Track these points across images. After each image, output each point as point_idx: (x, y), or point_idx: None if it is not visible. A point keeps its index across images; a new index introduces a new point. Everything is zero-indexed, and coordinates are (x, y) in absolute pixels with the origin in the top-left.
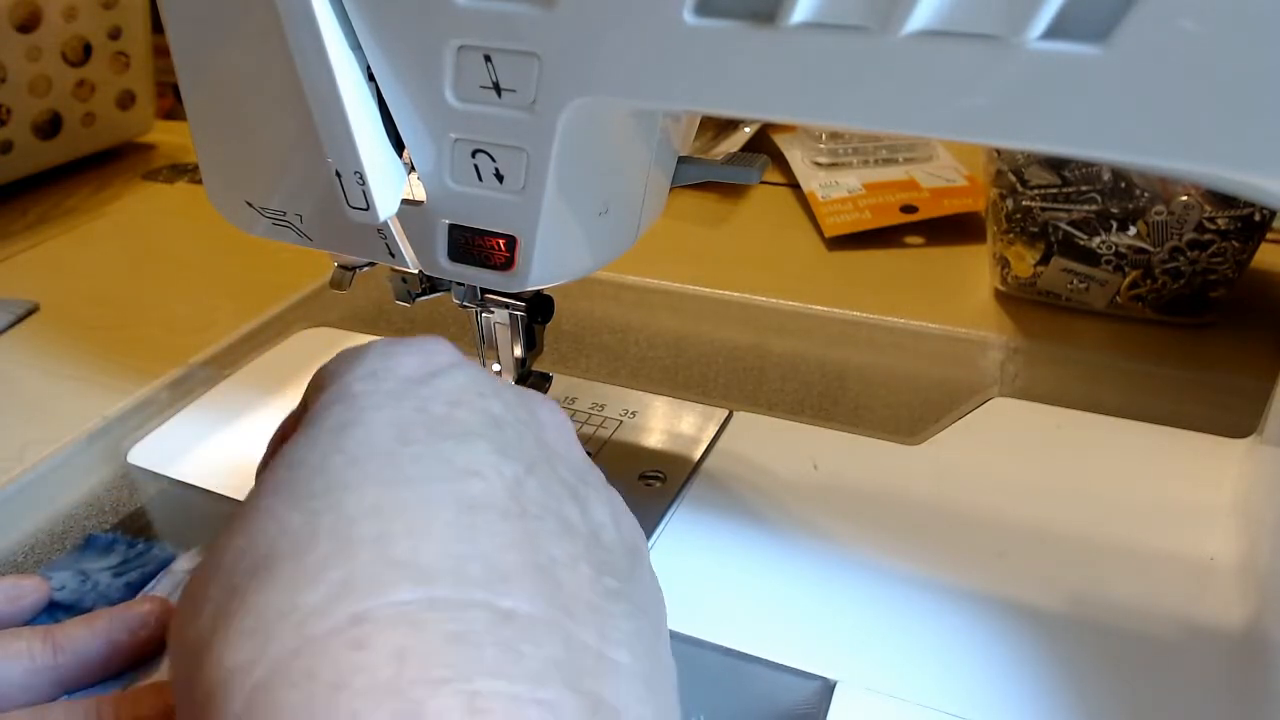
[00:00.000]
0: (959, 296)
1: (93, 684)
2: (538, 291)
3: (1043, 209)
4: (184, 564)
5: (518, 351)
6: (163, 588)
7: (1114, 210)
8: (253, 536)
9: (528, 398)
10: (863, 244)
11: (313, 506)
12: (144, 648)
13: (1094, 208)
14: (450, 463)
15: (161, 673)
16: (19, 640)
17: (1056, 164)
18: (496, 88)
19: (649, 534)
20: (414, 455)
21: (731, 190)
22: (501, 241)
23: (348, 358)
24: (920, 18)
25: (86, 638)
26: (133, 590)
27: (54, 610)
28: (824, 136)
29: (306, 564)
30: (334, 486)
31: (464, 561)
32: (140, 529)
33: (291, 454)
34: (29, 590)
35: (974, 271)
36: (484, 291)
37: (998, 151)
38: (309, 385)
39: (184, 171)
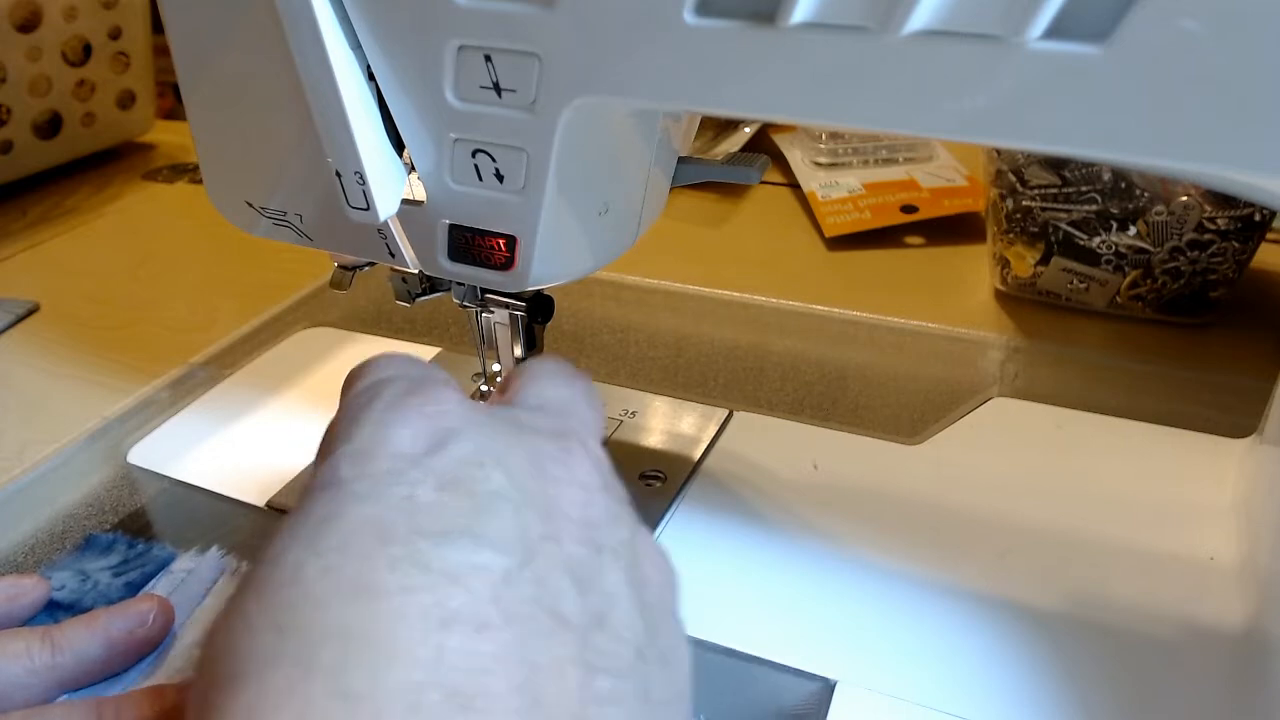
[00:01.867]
0: (959, 296)
1: (92, 683)
2: (538, 291)
3: (1043, 209)
4: (183, 564)
5: (518, 351)
6: (162, 588)
7: (1114, 210)
8: (231, 643)
9: (541, 455)
10: (863, 244)
11: (281, 623)
12: (143, 646)
13: (1094, 208)
14: (428, 569)
15: (161, 673)
16: (18, 640)
17: (1056, 164)
18: (496, 88)
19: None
20: (391, 559)
21: (731, 190)
22: (501, 241)
23: (351, 411)
24: (920, 18)
25: (85, 637)
26: (132, 590)
27: (54, 610)
28: (824, 136)
29: (266, 692)
30: (305, 601)
31: (424, 690)
32: (140, 529)
33: (276, 546)
34: (29, 588)
35: (974, 271)
36: (484, 291)
37: (998, 151)
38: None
39: (184, 171)
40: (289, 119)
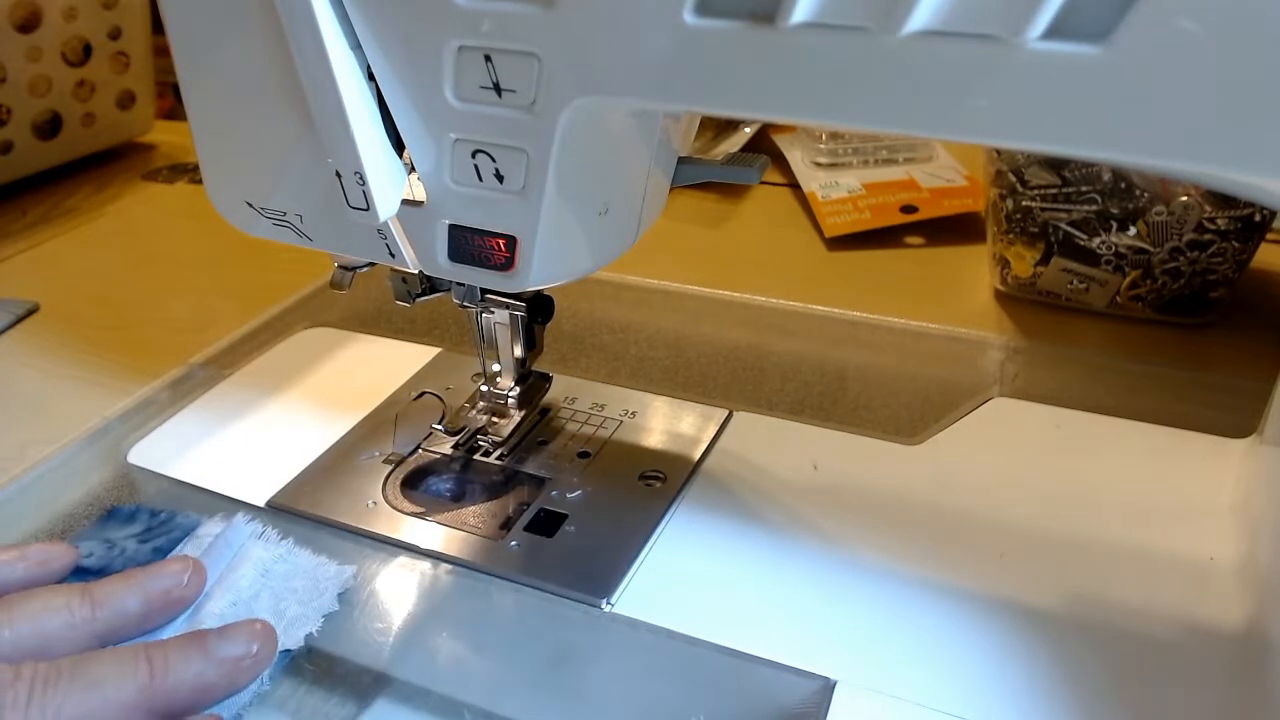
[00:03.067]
0: (959, 296)
1: (128, 638)
2: (538, 291)
3: (1043, 209)
4: (209, 529)
5: (518, 351)
6: (189, 552)
7: (1114, 210)
8: None
9: None
10: (863, 244)
11: None
12: (177, 604)
13: (1094, 208)
14: None
15: (195, 624)
16: (58, 596)
17: (1056, 164)
18: (496, 88)
19: (649, 534)
20: None
21: (731, 190)
22: (501, 241)
23: None
24: (920, 18)
25: (123, 593)
26: (160, 555)
27: (84, 576)
28: (824, 136)
29: None
30: None
31: None
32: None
33: None
34: (58, 555)
35: (974, 271)
36: (484, 291)
37: (998, 151)
38: None
39: (184, 171)
40: (289, 119)
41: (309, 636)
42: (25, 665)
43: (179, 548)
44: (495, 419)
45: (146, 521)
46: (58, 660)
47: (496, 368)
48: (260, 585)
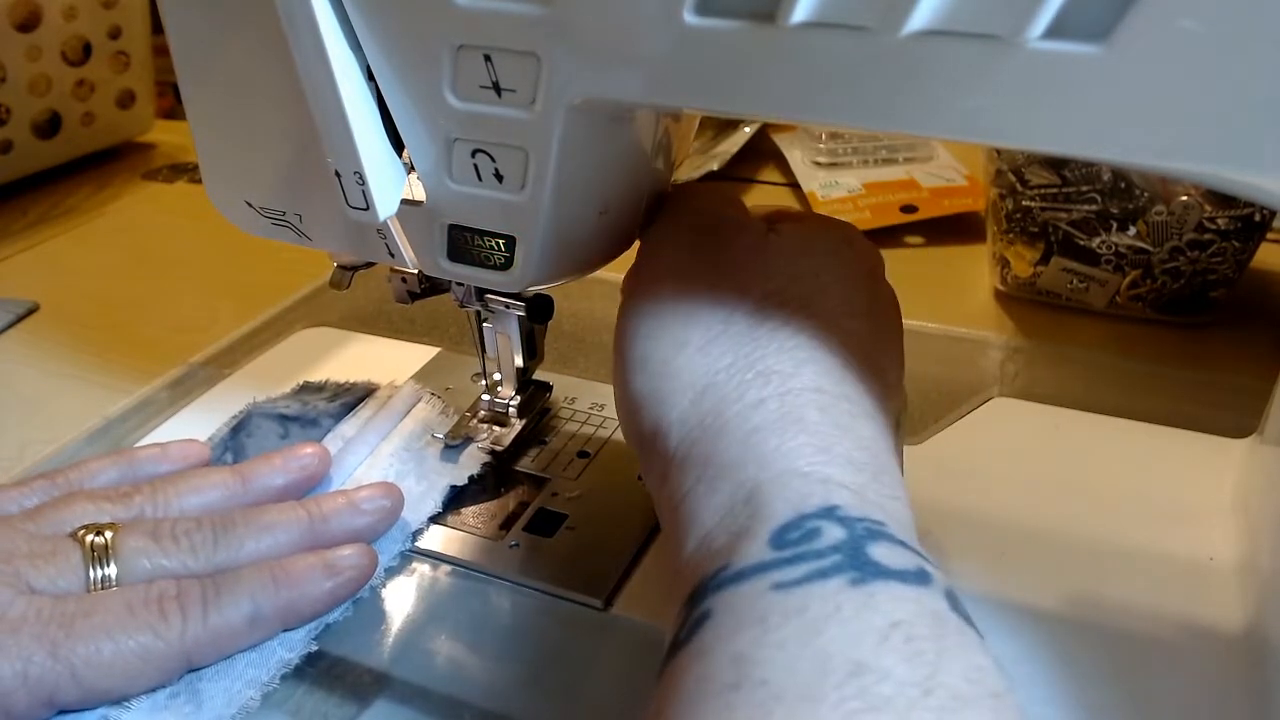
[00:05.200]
0: (959, 296)
1: None
2: (538, 292)
3: (1043, 209)
4: (383, 392)
5: (518, 361)
6: (369, 408)
7: (1114, 210)
8: None
9: None
10: None
11: None
12: (312, 480)
13: (1094, 208)
14: None
15: (374, 464)
16: (214, 474)
17: (1056, 164)
18: (496, 88)
19: (648, 534)
20: None
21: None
22: (501, 241)
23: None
24: (920, 18)
25: (267, 471)
26: (346, 409)
27: (284, 422)
28: (824, 136)
29: None
30: None
31: None
32: None
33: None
34: (195, 451)
35: (974, 271)
36: (484, 292)
37: (998, 151)
38: None
39: (184, 171)
40: (289, 119)
41: (471, 477)
42: (205, 518)
43: (361, 404)
44: (495, 428)
45: (334, 389)
46: (231, 513)
47: (498, 376)
48: (427, 439)
